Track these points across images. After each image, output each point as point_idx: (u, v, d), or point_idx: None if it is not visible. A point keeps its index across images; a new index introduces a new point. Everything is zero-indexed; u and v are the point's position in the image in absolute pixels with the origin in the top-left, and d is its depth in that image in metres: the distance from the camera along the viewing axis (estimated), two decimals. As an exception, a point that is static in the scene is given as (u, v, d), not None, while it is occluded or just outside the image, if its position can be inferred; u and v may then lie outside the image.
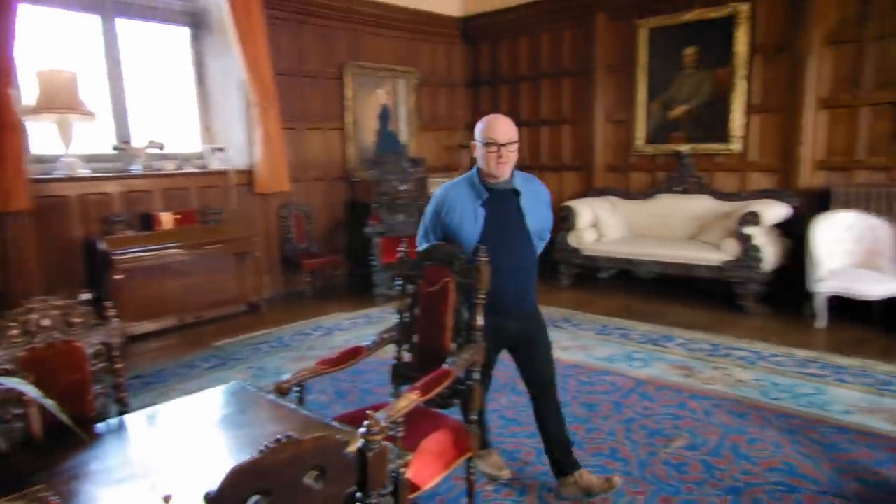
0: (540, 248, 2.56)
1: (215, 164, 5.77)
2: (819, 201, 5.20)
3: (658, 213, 6.07)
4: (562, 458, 2.51)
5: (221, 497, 0.84)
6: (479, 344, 2.17)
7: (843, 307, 4.68)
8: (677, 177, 6.08)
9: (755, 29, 5.57)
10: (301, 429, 1.53)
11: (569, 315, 5.17)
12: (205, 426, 1.69)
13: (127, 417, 1.80)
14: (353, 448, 1.02)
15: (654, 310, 5.25)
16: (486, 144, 2.29)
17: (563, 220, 6.01)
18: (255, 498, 0.89)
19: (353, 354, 2.28)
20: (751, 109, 5.66)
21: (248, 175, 5.84)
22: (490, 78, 7.63)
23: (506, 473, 2.66)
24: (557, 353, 4.20)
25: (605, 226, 6.09)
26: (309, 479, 0.95)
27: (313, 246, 6.25)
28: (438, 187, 7.45)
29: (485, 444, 2.70)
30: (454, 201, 2.36)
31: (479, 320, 2.17)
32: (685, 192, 6.02)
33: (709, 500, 2.47)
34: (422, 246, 2.46)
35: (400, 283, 2.42)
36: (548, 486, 2.60)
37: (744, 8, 5.59)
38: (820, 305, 4.65)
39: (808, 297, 4.80)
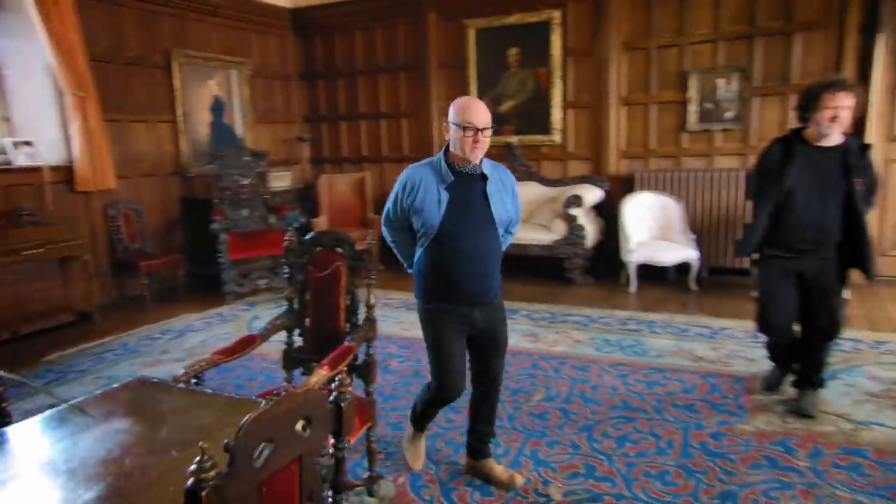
0: (507, 241, 2.50)
1: (21, 159, 5.09)
2: (625, 185, 6.11)
3: (494, 199, 6.62)
4: (477, 445, 2.57)
5: (238, 446, 0.92)
6: (374, 320, 2.33)
7: (648, 272, 5.59)
8: (509, 166, 6.67)
9: (567, 34, 6.31)
10: (232, 410, 1.57)
11: (423, 298, 5.48)
12: (124, 424, 1.62)
13: (10, 429, 1.67)
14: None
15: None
16: (464, 128, 2.19)
17: (410, 209, 6.30)
18: (262, 445, 0.98)
19: (248, 342, 2.30)
20: (567, 105, 6.42)
21: (65, 172, 5.24)
22: (326, 71, 7.64)
23: (418, 465, 2.67)
24: (415, 333, 4.48)
25: (448, 213, 6.50)
26: (298, 428, 1.06)
27: (148, 246, 5.80)
28: (279, 180, 7.24)
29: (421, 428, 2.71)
30: (417, 183, 2.26)
31: (373, 299, 2.34)
32: (517, 179, 6.59)
33: (568, 438, 2.90)
34: (385, 229, 2.44)
35: (288, 271, 2.47)
36: (437, 449, 2.84)
37: (556, 15, 6.31)
38: (631, 273, 5.50)
39: (621, 266, 5.65)
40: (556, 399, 3.33)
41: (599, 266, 5.96)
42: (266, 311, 5.20)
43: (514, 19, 6.50)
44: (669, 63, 5.95)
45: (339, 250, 2.37)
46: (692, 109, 5.89)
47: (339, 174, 7.30)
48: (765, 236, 2.96)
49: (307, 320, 2.45)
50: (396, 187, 2.34)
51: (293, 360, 2.47)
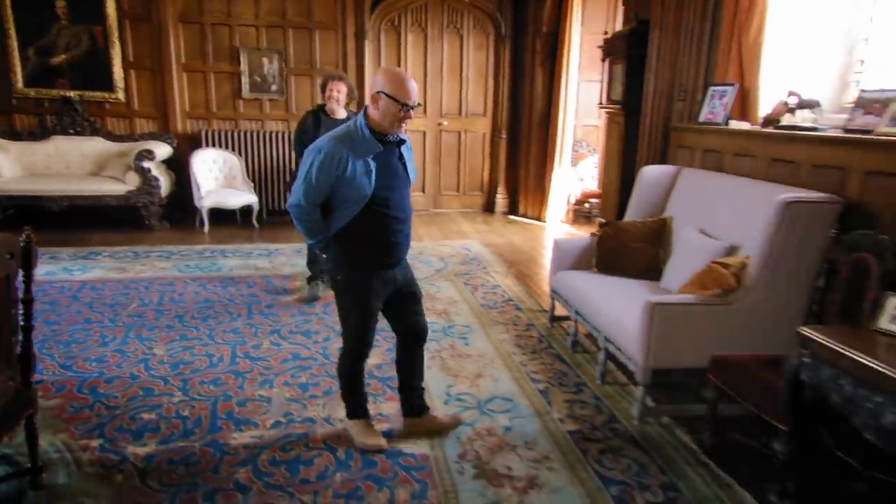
0: None
1: None
2: (192, 142, 7.00)
3: (55, 153, 6.58)
4: (418, 401, 2.67)
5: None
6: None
7: (218, 216, 6.71)
8: (70, 120, 6.70)
9: (122, -3, 6.69)
10: None
11: (-16, 253, 5.32)
12: None
13: None
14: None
15: (73, 237, 6.00)
16: (402, 105, 2.23)
17: (-50, 162, 5.77)
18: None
19: None
20: (128, 66, 6.84)
21: None
22: None
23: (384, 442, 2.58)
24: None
25: None
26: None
27: None
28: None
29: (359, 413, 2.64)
30: (345, 154, 2.24)
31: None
32: (79, 134, 6.73)
33: (164, 324, 3.87)
34: (300, 208, 2.34)
35: None
36: (54, 356, 3.41)
37: (109, -24, 6.60)
38: (204, 216, 6.53)
39: (195, 211, 6.61)
40: (150, 305, 4.22)
41: (175, 213, 6.76)
42: None
43: (65, -29, 6.47)
44: (223, 39, 7.03)
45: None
46: (245, 81, 7.15)
47: None
48: None
49: None
50: (317, 160, 2.26)
51: None
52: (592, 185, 7.70)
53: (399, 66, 7.55)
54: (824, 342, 1.92)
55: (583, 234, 6.66)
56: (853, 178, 2.77)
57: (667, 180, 3.85)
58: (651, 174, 3.90)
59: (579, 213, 7.60)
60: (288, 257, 5.62)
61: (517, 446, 2.61)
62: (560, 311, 3.99)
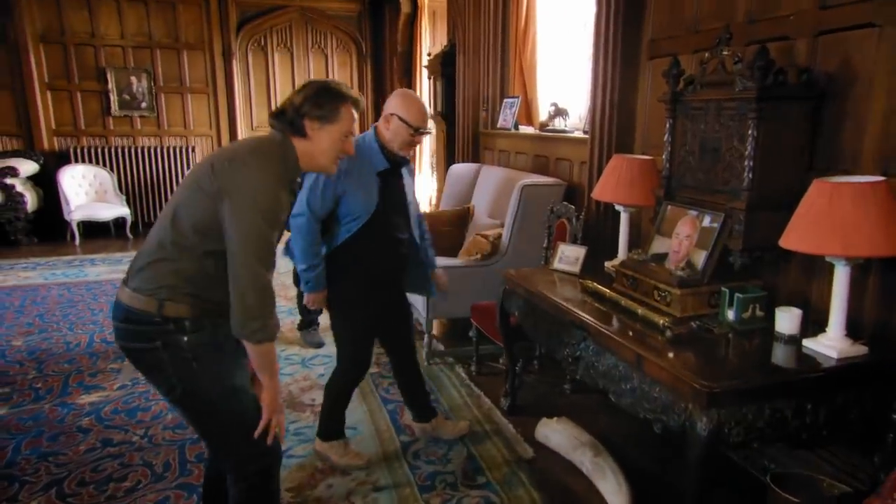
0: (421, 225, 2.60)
1: None
2: (60, 158, 7.17)
3: (-88, 174, 6.57)
4: (426, 408, 2.77)
5: None
6: None
7: (92, 229, 6.95)
8: (-73, 141, 6.71)
9: (-22, 19, 6.80)
10: None
11: None
12: None
13: None
14: None
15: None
16: (416, 130, 2.28)
17: None
18: None
19: None
20: (-13, 86, 6.94)
21: None
22: None
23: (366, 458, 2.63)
24: None
25: None
26: None
27: None
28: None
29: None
30: (351, 168, 2.21)
31: None
32: (-62, 154, 6.74)
33: (23, 321, 4.21)
34: (306, 223, 2.22)
35: None
36: None
37: (-36, -2, 6.70)
38: (75, 230, 6.75)
39: (65, 225, 6.81)
40: (10, 307, 4.53)
41: (43, 228, 6.90)
42: None
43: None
44: (87, 58, 7.27)
45: None
46: (114, 98, 7.42)
47: None
48: None
49: None
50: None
51: None
52: (452, 187, 8.54)
53: (269, 83, 8.08)
54: (513, 278, 2.72)
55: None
56: (575, 167, 3.68)
57: (471, 175, 4.67)
58: (457, 171, 4.71)
59: (441, 213, 8.41)
60: (157, 262, 6.00)
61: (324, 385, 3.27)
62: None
